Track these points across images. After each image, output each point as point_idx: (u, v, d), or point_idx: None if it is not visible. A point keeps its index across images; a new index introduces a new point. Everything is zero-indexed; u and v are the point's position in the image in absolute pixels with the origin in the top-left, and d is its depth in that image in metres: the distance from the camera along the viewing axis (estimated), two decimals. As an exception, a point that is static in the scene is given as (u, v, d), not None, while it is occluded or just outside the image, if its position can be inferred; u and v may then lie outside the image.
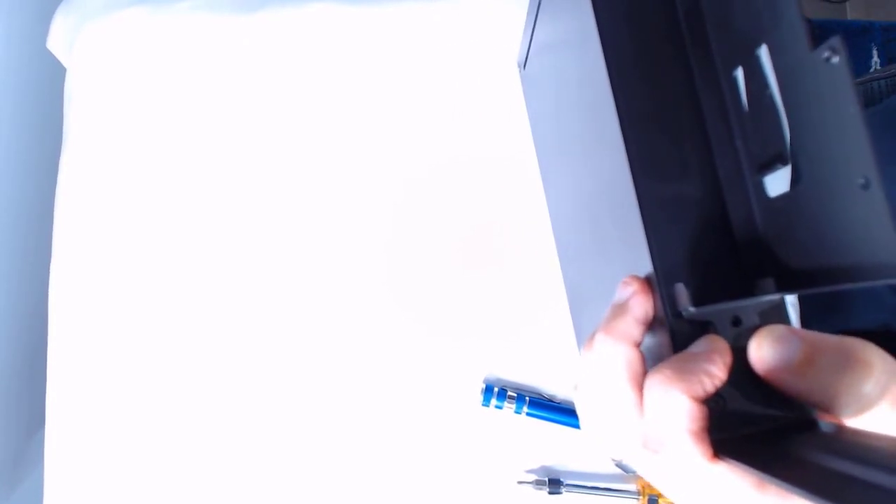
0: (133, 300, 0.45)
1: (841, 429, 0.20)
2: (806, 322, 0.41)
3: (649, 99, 0.24)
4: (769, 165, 0.22)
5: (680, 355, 0.21)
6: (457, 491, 0.42)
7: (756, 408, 0.22)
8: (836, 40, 0.16)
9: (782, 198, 0.21)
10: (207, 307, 0.44)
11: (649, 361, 0.26)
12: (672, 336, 0.22)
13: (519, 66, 0.45)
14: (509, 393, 0.41)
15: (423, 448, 0.43)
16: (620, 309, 0.23)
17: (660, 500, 0.40)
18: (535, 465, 0.42)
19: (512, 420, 0.42)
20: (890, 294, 0.50)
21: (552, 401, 0.42)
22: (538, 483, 0.41)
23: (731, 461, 0.20)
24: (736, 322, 0.23)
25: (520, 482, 0.41)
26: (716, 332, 0.22)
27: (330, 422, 0.43)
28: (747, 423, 0.22)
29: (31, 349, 0.56)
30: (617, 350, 0.22)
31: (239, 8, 0.47)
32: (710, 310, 0.22)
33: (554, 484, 0.41)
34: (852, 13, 1.10)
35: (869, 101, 0.60)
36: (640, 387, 0.21)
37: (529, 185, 0.44)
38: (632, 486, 0.41)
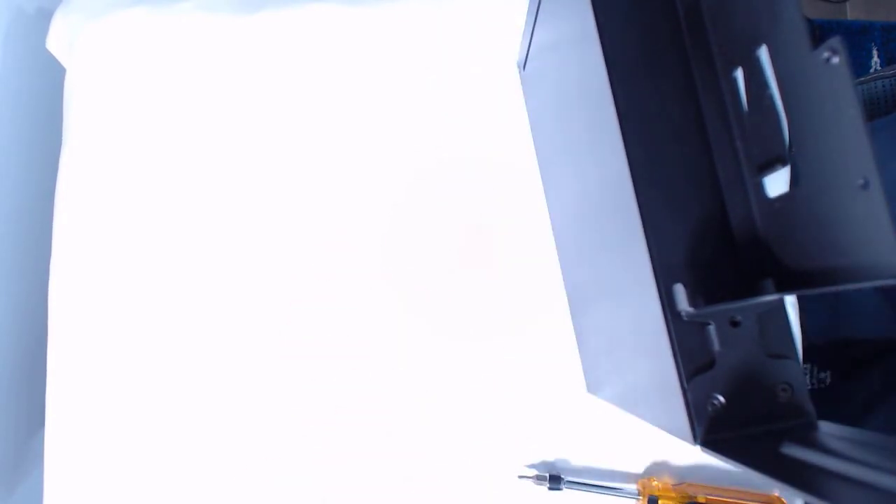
0: (133, 300, 0.45)
1: (838, 430, 0.20)
2: (806, 330, 0.41)
3: (649, 99, 0.24)
4: (769, 166, 0.22)
5: None
6: (458, 484, 0.42)
7: (755, 410, 0.22)
8: (836, 40, 0.16)
9: (782, 198, 0.21)
10: (208, 308, 0.44)
11: (649, 362, 0.26)
12: (671, 337, 0.22)
13: (519, 66, 0.45)
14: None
15: (423, 442, 0.43)
16: None
17: (660, 501, 0.40)
18: (537, 461, 0.43)
19: (512, 415, 0.43)
20: (888, 307, 0.50)
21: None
22: (538, 478, 0.41)
23: (728, 460, 0.20)
24: (735, 323, 0.23)
25: (520, 477, 0.42)
26: (714, 332, 0.22)
27: (329, 419, 0.43)
28: (746, 425, 0.22)
29: (31, 349, 0.55)
30: None
31: (239, 8, 0.47)
32: (708, 311, 0.22)
33: (554, 480, 0.41)
34: (852, 13, 1.10)
35: (871, 101, 0.60)
36: None
37: (529, 185, 0.44)
38: (632, 486, 0.41)
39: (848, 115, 0.17)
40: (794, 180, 0.20)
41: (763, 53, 0.20)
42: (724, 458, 0.20)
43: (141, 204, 0.45)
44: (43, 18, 0.50)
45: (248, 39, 0.47)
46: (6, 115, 0.55)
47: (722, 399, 0.22)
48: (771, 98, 0.20)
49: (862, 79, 0.62)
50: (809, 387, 0.35)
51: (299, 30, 0.47)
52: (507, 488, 0.42)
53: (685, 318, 0.22)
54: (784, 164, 0.21)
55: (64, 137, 0.47)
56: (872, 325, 0.55)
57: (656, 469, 0.42)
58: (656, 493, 0.40)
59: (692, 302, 0.22)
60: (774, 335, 0.23)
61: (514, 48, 0.45)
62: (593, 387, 0.40)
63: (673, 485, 0.40)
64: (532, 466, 0.42)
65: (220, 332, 0.44)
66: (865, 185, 0.16)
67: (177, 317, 0.44)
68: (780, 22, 0.19)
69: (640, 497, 0.40)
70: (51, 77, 0.50)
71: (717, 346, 0.22)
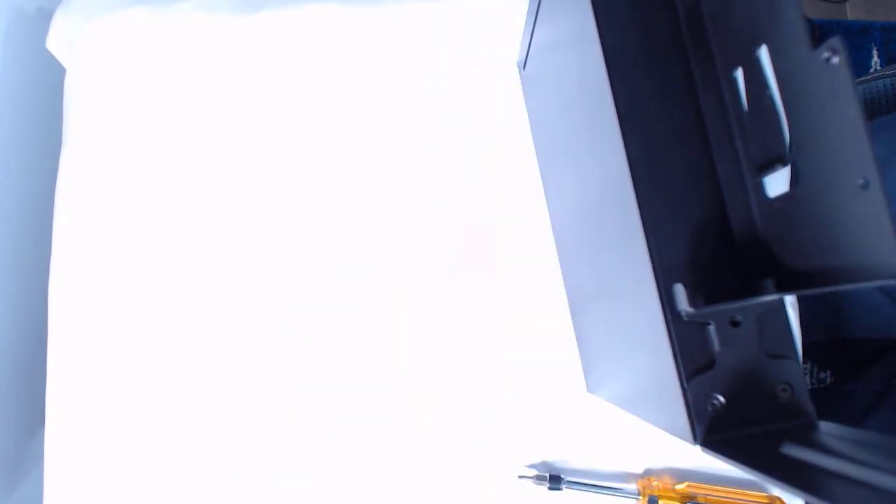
0: (133, 300, 0.45)
1: (838, 430, 0.20)
2: (806, 329, 0.41)
3: (649, 99, 0.24)
4: (769, 166, 0.22)
5: None
6: (458, 484, 0.42)
7: (755, 410, 0.22)
8: (836, 40, 0.16)
9: (782, 198, 0.21)
10: (208, 308, 0.44)
11: (649, 362, 0.26)
12: (671, 337, 0.22)
13: (519, 66, 0.45)
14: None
15: (423, 442, 0.43)
16: None
17: (660, 501, 0.40)
18: (537, 461, 0.43)
19: (512, 415, 0.43)
20: (888, 304, 0.50)
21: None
22: (539, 478, 0.41)
23: (728, 460, 0.20)
24: (735, 323, 0.23)
25: (520, 476, 0.42)
26: (714, 332, 0.22)
27: (329, 419, 0.43)
28: (746, 425, 0.22)
29: (31, 349, 0.55)
30: None
31: (239, 8, 0.47)
32: (708, 311, 0.22)
33: (554, 480, 0.41)
34: (852, 13, 1.10)
35: (871, 101, 0.60)
36: None
37: (529, 185, 0.44)
38: (632, 486, 0.41)
39: (848, 115, 0.17)
40: (794, 180, 0.20)
41: (763, 53, 0.20)
42: (724, 458, 0.20)
43: (141, 204, 0.45)
44: (43, 18, 0.50)
45: (248, 39, 0.47)
46: (6, 115, 0.55)
47: (722, 399, 0.22)
48: (771, 98, 0.20)
49: (862, 78, 0.62)
50: (809, 387, 0.35)
51: (299, 30, 0.47)
52: (507, 488, 0.42)
53: (685, 318, 0.22)
54: (784, 164, 0.21)
55: (64, 137, 0.47)
56: (873, 324, 0.55)
57: (656, 469, 0.42)
58: (656, 493, 0.40)
59: (692, 302, 0.22)
60: (774, 335, 0.23)
61: (514, 48, 0.45)
62: (593, 387, 0.40)
63: (673, 485, 0.40)
64: (532, 466, 0.42)
65: (220, 333, 0.44)
66: (865, 185, 0.16)
67: (177, 317, 0.44)
68: (780, 22, 0.19)
69: (640, 497, 0.40)
70: (51, 77, 0.50)
71: (717, 346, 0.22)
